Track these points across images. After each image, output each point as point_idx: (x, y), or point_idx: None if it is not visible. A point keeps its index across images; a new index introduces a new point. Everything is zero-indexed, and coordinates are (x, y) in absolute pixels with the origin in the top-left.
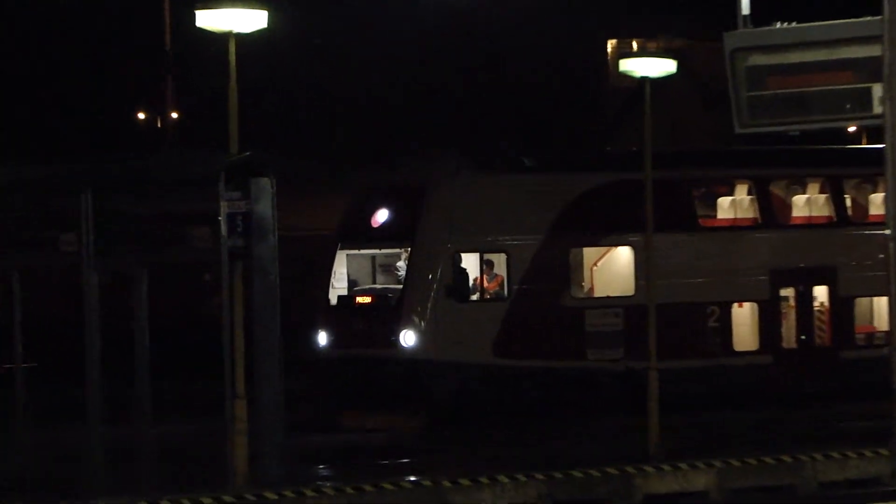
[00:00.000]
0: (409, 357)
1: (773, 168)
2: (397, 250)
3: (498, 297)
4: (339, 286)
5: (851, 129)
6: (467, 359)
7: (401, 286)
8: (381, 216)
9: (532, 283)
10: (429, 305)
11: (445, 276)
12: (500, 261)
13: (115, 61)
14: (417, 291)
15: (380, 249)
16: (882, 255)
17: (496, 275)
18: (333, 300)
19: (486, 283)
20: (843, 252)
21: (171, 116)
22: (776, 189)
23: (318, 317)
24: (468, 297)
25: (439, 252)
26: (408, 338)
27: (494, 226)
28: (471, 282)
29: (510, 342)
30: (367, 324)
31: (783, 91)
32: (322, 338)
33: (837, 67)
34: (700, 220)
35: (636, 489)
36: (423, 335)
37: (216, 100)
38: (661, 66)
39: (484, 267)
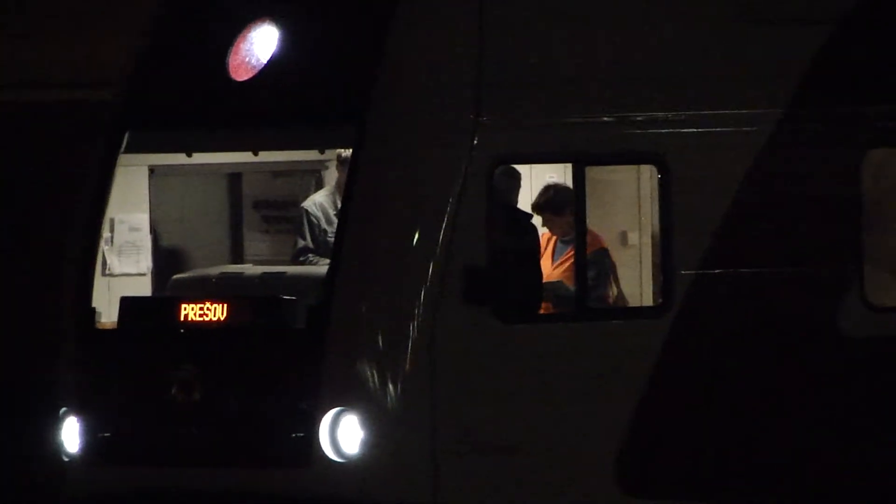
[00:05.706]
0: (352, 499)
1: None
2: (309, 156)
3: (624, 305)
4: (122, 265)
5: None
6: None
7: (323, 268)
8: (259, 47)
9: (739, 260)
10: (413, 327)
11: (466, 241)
12: (634, 186)
13: None
14: (374, 284)
15: (255, 154)
16: None
17: (622, 234)
18: (106, 313)
19: (589, 260)
20: None
21: None
22: None
23: (55, 366)
24: (536, 303)
25: (442, 159)
26: (346, 433)
27: (616, 75)
28: (542, 252)
29: (674, 446)
30: (210, 387)
31: None
32: (67, 430)
33: None
34: None
35: None
36: (395, 421)
37: None
38: None
39: (584, 207)
